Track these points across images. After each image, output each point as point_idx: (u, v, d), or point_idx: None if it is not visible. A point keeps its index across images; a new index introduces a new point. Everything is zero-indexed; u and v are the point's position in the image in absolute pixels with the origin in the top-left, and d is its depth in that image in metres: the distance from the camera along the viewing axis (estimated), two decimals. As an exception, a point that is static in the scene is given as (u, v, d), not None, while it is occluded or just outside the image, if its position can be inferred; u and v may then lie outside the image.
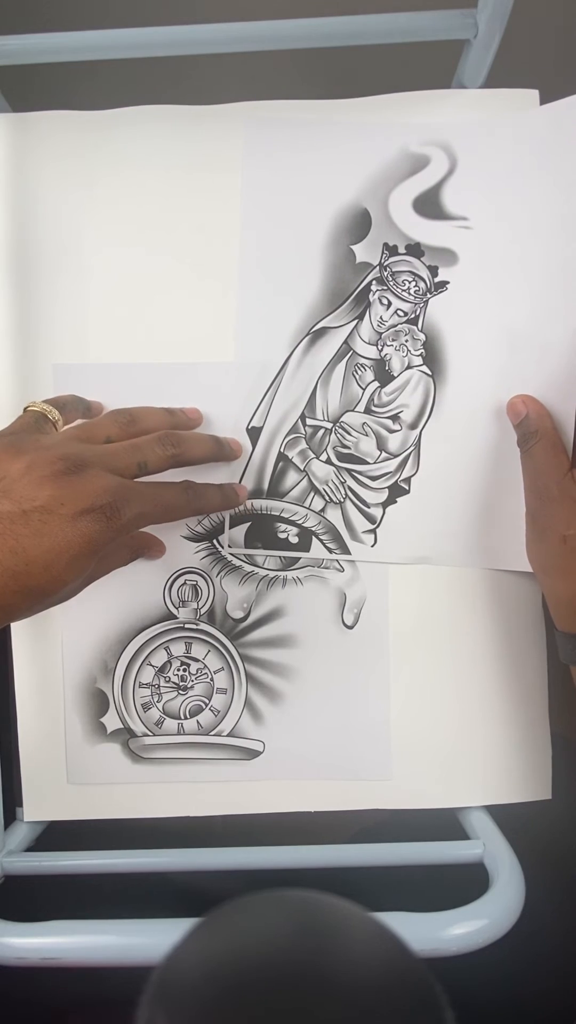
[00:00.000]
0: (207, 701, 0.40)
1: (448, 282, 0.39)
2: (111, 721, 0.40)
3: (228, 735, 0.40)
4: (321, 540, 0.40)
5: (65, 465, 0.29)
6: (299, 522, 0.39)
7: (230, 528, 0.39)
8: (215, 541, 0.40)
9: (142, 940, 0.30)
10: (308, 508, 0.39)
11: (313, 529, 0.39)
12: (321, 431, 0.39)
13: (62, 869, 0.37)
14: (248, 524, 0.40)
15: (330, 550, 0.39)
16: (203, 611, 0.40)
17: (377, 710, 0.39)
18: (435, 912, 0.30)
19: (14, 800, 0.40)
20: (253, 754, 0.39)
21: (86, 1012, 0.38)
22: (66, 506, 0.28)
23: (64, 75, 0.41)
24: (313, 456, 0.39)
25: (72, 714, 0.40)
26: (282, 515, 0.39)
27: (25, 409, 0.34)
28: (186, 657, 0.40)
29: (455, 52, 0.40)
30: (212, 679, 0.40)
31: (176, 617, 0.40)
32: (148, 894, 0.38)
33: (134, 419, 0.34)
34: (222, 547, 0.40)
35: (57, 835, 0.40)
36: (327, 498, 0.39)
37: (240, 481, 0.39)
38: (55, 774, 0.40)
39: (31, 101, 0.40)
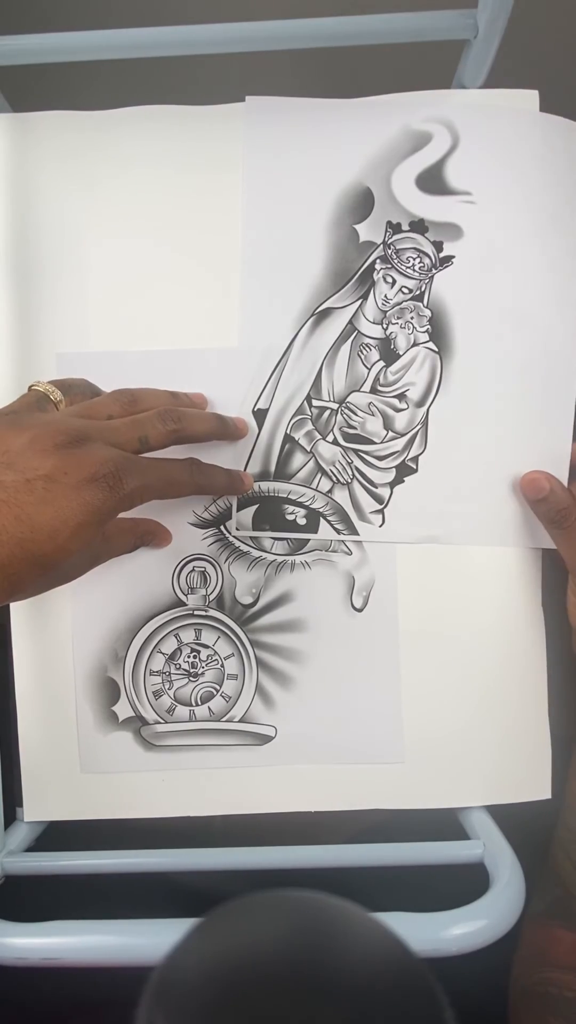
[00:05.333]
0: (218, 687, 0.40)
1: (453, 256, 0.39)
2: (123, 709, 0.40)
3: (240, 721, 0.40)
4: (329, 521, 0.39)
5: (67, 438, 0.29)
6: (307, 504, 0.39)
7: (238, 511, 0.39)
8: (222, 527, 0.40)
9: (142, 940, 0.30)
10: (315, 489, 0.39)
11: (321, 510, 0.39)
12: (327, 412, 0.39)
13: (62, 869, 0.37)
14: (256, 506, 0.40)
15: (338, 531, 0.39)
16: (212, 597, 0.40)
17: (388, 692, 0.39)
18: (435, 912, 0.30)
19: (14, 800, 0.40)
20: (265, 739, 0.40)
21: (86, 1012, 0.38)
22: (70, 475, 0.28)
23: (64, 75, 0.41)
24: (320, 437, 0.39)
25: (83, 703, 0.40)
26: (289, 497, 0.39)
27: (29, 388, 0.35)
28: (196, 644, 0.40)
29: (455, 52, 0.40)
30: (222, 665, 0.40)
31: (185, 604, 0.40)
32: (148, 894, 0.38)
33: (136, 399, 0.35)
34: (229, 532, 0.40)
35: (57, 835, 0.40)
36: (334, 479, 0.39)
37: (247, 463, 0.39)
38: (67, 765, 0.40)
39: (31, 101, 0.40)
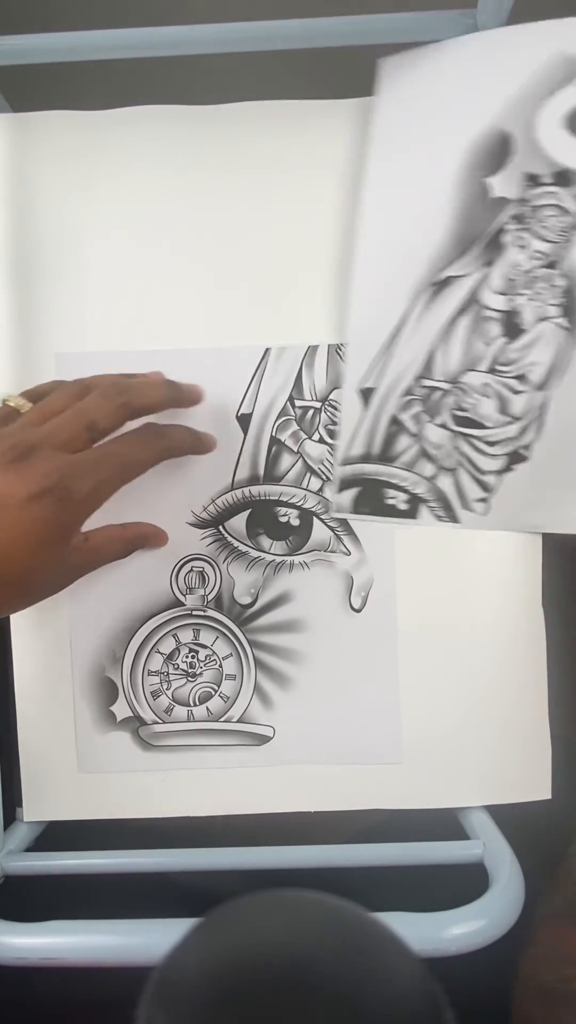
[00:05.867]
0: (216, 687, 0.40)
1: None
2: (121, 709, 0.40)
3: (238, 721, 0.40)
4: (431, 507, 0.38)
5: (12, 454, 0.29)
6: (409, 489, 0.38)
7: (338, 492, 0.38)
8: (221, 527, 0.40)
9: (142, 940, 0.30)
10: (419, 474, 0.37)
11: (423, 496, 0.38)
12: (438, 393, 0.36)
13: (62, 869, 0.37)
14: (357, 489, 0.38)
15: (439, 517, 0.38)
16: (210, 597, 0.40)
17: (386, 693, 0.39)
18: (435, 912, 0.30)
19: (14, 800, 0.40)
20: (263, 740, 0.40)
21: (86, 1012, 0.38)
22: (15, 495, 0.28)
23: (64, 75, 0.41)
24: (428, 420, 0.37)
25: (81, 703, 0.40)
26: (391, 481, 0.38)
27: (3, 402, 0.34)
28: (194, 644, 0.40)
29: (455, 52, 0.40)
30: (221, 665, 0.40)
31: (183, 604, 0.40)
32: (148, 894, 0.38)
33: (88, 386, 0.33)
34: (228, 532, 0.40)
35: (57, 835, 0.40)
36: (439, 464, 0.37)
37: (352, 444, 0.38)
38: (65, 765, 0.40)
39: (31, 101, 0.40)
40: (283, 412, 0.39)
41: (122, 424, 0.32)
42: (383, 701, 0.39)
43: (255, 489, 0.39)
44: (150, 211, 0.40)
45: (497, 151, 0.35)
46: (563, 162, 0.34)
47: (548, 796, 0.40)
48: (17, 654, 0.40)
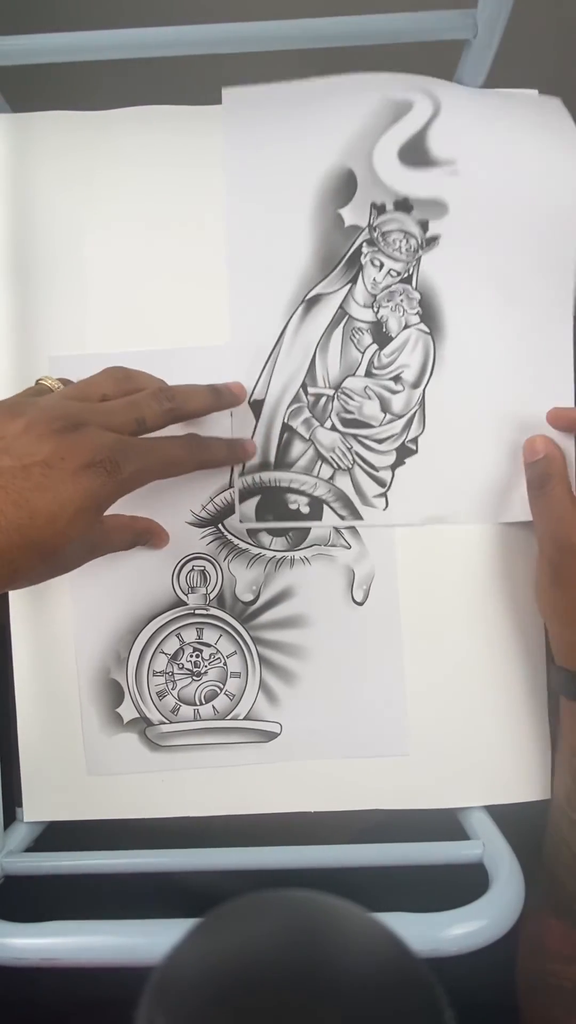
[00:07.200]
0: (222, 686, 0.40)
1: (439, 236, 0.39)
2: (127, 711, 0.40)
3: (244, 718, 0.40)
4: (332, 508, 0.39)
5: (63, 423, 0.29)
6: (309, 491, 0.39)
7: (240, 503, 0.39)
8: (221, 525, 0.40)
9: (142, 940, 0.30)
10: (317, 477, 0.39)
11: (323, 497, 0.39)
12: (324, 399, 0.39)
13: (62, 869, 0.37)
14: (258, 498, 0.40)
15: (342, 517, 0.39)
16: (212, 596, 0.40)
17: (391, 685, 0.40)
18: (435, 912, 0.30)
19: (14, 800, 0.40)
20: (270, 736, 0.40)
21: (86, 1012, 0.38)
22: (67, 461, 0.28)
23: (64, 75, 0.41)
24: (318, 424, 0.39)
25: (88, 706, 0.40)
26: (291, 486, 0.39)
27: (36, 382, 0.35)
28: (198, 643, 0.40)
29: (455, 52, 0.40)
30: (225, 663, 0.40)
31: (186, 604, 0.40)
32: (148, 894, 0.38)
33: (129, 376, 0.34)
34: (228, 530, 0.40)
35: (57, 835, 0.40)
36: (335, 465, 0.39)
37: None
38: (73, 767, 0.40)
39: (31, 101, 0.40)
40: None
41: (166, 426, 0.34)
42: (388, 692, 0.40)
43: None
44: (149, 211, 0.40)
45: (344, 185, 0.40)
46: (401, 191, 0.39)
47: (548, 796, 0.40)
48: (17, 657, 0.40)
